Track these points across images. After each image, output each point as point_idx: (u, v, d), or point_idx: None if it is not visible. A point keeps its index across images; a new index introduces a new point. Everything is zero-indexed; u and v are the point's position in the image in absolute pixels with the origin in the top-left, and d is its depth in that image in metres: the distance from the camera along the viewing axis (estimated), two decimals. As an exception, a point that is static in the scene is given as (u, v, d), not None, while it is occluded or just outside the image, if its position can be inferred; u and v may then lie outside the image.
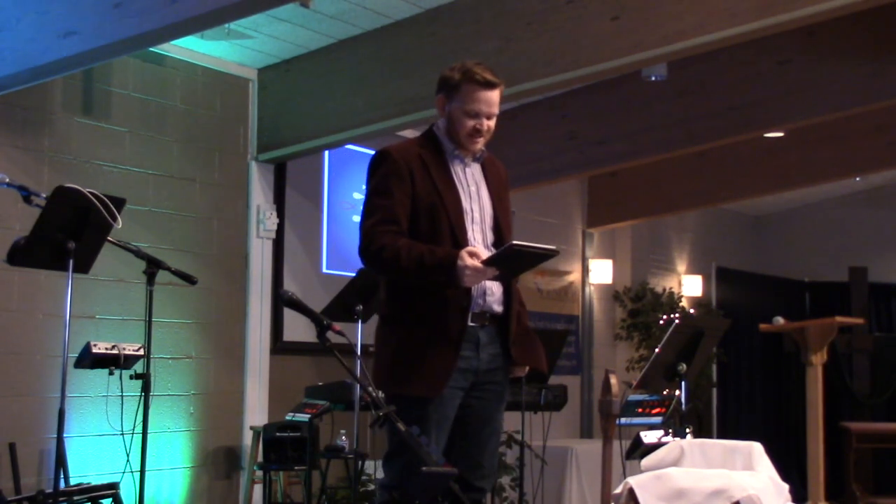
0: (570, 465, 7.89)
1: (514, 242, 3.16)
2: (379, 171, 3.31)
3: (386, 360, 3.28)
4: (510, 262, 3.20)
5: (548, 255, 3.22)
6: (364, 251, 3.28)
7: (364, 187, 3.40)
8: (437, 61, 5.63)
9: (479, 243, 3.33)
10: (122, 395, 4.70)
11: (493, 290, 3.34)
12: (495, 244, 3.36)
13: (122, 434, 4.53)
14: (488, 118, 3.36)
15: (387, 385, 3.22)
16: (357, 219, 7.18)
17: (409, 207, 3.27)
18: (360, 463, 5.81)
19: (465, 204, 3.36)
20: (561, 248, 9.19)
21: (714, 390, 10.40)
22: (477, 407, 3.36)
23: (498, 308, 3.36)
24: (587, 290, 9.49)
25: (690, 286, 10.44)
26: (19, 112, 5.39)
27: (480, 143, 3.40)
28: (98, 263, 4.37)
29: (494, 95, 3.36)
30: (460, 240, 3.27)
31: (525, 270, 3.41)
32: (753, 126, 6.95)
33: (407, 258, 3.18)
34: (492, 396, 3.39)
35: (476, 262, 3.14)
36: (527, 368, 3.48)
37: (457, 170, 3.40)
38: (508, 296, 3.38)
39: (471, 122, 3.34)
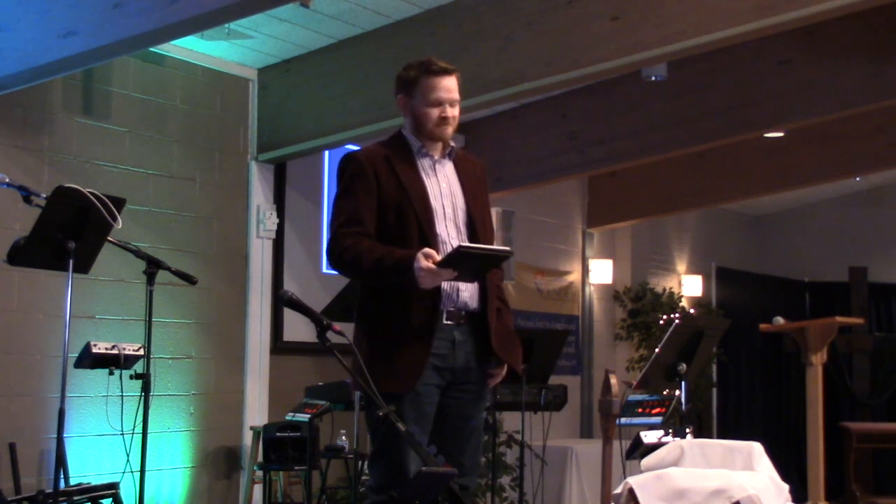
0: (570, 465, 7.90)
1: (462, 245, 3.19)
2: (345, 174, 3.36)
3: (359, 359, 3.26)
4: (464, 263, 3.19)
5: (502, 256, 3.27)
6: (329, 253, 3.32)
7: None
8: (437, 61, 5.64)
9: (453, 239, 3.34)
10: (122, 395, 4.70)
11: (467, 287, 3.34)
12: (470, 241, 3.36)
13: (122, 434, 4.52)
14: (451, 105, 3.40)
15: (360, 383, 3.18)
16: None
17: (374, 207, 3.30)
18: (360, 463, 5.81)
19: (434, 201, 3.36)
20: (561, 249, 9.20)
21: (714, 390, 10.40)
22: (454, 406, 3.37)
23: (473, 305, 3.36)
24: (587, 290, 9.49)
25: (690, 286, 10.44)
26: (19, 112, 5.39)
27: (449, 132, 3.42)
28: (98, 263, 4.37)
29: (452, 82, 3.41)
30: (428, 236, 3.28)
31: (486, 272, 3.36)
32: (753, 126, 6.95)
33: (367, 259, 3.21)
34: (469, 396, 3.40)
35: (429, 264, 3.14)
36: (503, 371, 3.48)
37: (426, 168, 3.41)
38: (485, 291, 3.38)
39: (436, 112, 3.38)
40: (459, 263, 3.17)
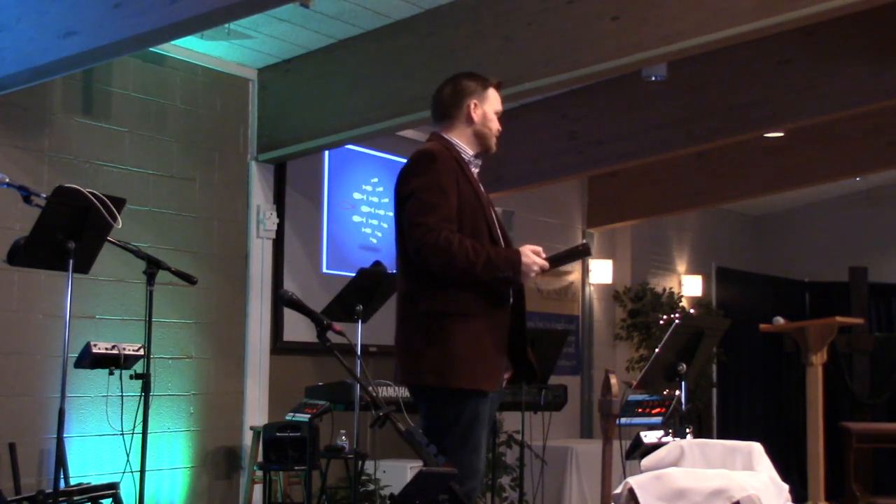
0: (570, 465, 7.90)
1: (587, 243, 3.60)
2: (432, 169, 3.38)
3: (443, 353, 3.31)
4: (565, 262, 3.55)
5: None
6: (430, 245, 3.29)
7: (406, 183, 3.43)
8: (437, 61, 5.63)
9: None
10: (122, 395, 4.70)
11: None
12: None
13: (122, 434, 4.52)
14: None
15: (451, 378, 3.28)
16: (358, 219, 7.23)
17: (456, 208, 3.39)
18: (360, 463, 5.81)
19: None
20: (561, 249, 9.19)
21: (714, 390, 10.40)
22: (493, 398, 3.51)
23: None
24: (587, 290, 9.49)
25: (690, 286, 10.44)
26: (19, 112, 5.38)
27: None
28: (98, 263, 4.37)
29: None
30: (496, 240, 3.45)
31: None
32: (753, 126, 6.95)
33: (474, 254, 3.29)
34: (498, 392, 3.55)
35: (543, 261, 3.39)
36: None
37: (475, 175, 3.55)
38: (519, 291, 3.54)
39: (497, 123, 3.59)
40: (561, 262, 3.53)
